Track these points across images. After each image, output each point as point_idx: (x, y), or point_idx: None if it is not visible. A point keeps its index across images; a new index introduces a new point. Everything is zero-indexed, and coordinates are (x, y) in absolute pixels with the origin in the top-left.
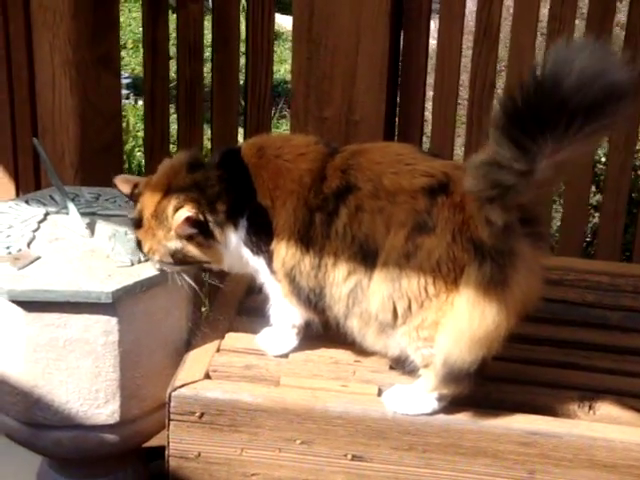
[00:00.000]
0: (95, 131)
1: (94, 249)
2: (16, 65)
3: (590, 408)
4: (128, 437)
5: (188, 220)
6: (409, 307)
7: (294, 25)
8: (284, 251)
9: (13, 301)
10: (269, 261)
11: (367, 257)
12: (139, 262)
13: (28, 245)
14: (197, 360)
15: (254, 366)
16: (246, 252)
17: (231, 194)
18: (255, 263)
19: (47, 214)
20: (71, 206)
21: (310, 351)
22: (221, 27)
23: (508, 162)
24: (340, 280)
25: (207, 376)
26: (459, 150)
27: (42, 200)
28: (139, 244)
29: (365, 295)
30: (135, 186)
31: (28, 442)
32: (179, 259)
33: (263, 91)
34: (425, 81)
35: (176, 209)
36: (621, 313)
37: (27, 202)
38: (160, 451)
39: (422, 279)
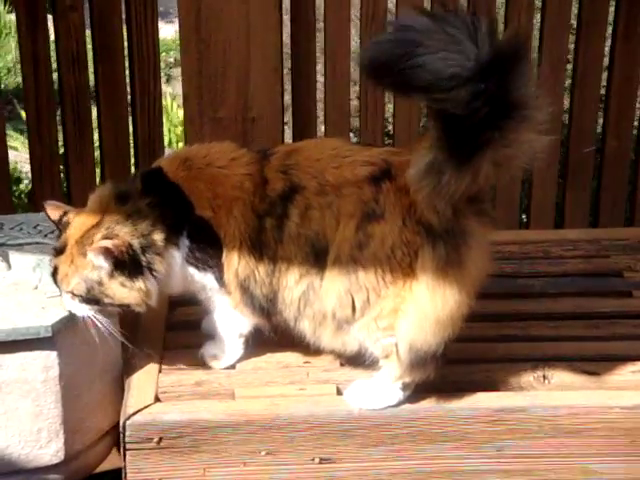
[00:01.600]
0: None
1: (17, 282)
2: None
3: (544, 378)
4: (73, 474)
5: (106, 251)
6: (367, 299)
7: (181, 26)
8: (236, 261)
9: None
10: (219, 275)
11: (318, 256)
12: None
13: None
14: (142, 384)
15: (204, 382)
16: (191, 270)
17: (167, 218)
18: (201, 279)
19: None
20: None
21: (257, 358)
22: (103, 36)
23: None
24: (292, 284)
25: (157, 399)
26: (353, 138)
27: None
28: (55, 271)
29: (318, 295)
30: (65, 214)
31: None
32: (93, 296)
33: (152, 101)
34: (315, 71)
35: (104, 237)
36: (542, 280)
37: None
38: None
39: (378, 268)
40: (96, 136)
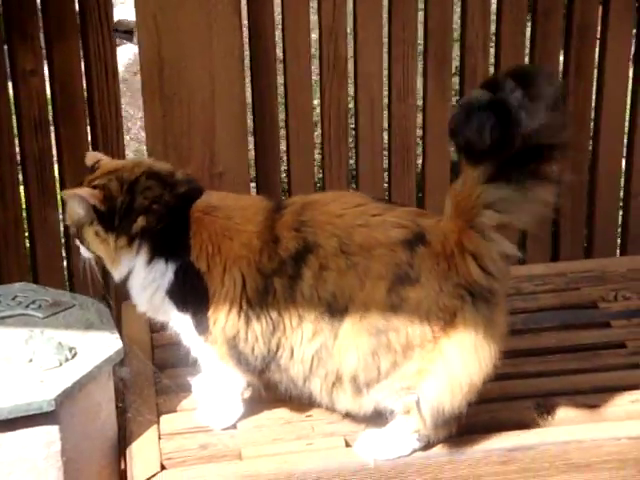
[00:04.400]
0: None
1: (8, 357)
2: None
3: (548, 413)
4: None
5: (80, 198)
6: (395, 361)
7: (144, 84)
8: (223, 320)
9: None
10: (198, 323)
11: (334, 316)
12: (66, 360)
13: None
14: (144, 452)
15: (208, 444)
16: (168, 304)
17: (165, 228)
18: (179, 319)
19: None
20: None
21: (257, 415)
22: (64, 99)
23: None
24: (305, 341)
25: (163, 467)
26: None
27: None
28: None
29: (331, 355)
30: (98, 161)
31: None
32: (78, 234)
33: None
34: (277, 124)
35: (101, 185)
36: (521, 316)
37: None
38: None
39: (410, 331)
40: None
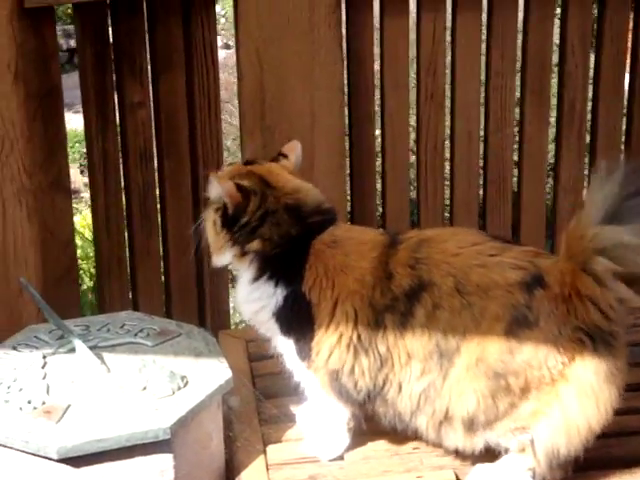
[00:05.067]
0: (53, 259)
1: (121, 385)
2: None
3: None
4: None
5: (234, 188)
6: (512, 402)
7: (244, 115)
8: (328, 352)
9: (60, 459)
10: (302, 352)
11: (443, 355)
12: (179, 389)
13: (48, 395)
14: None
15: (317, 475)
16: (273, 324)
17: (281, 255)
18: (282, 342)
19: (45, 357)
20: (78, 343)
21: (363, 447)
22: (169, 132)
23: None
24: (413, 379)
25: None
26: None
27: (29, 343)
28: None
29: (439, 394)
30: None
31: None
32: (203, 206)
33: None
34: (374, 153)
35: (245, 191)
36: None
37: (15, 348)
38: None
39: (529, 373)
40: None
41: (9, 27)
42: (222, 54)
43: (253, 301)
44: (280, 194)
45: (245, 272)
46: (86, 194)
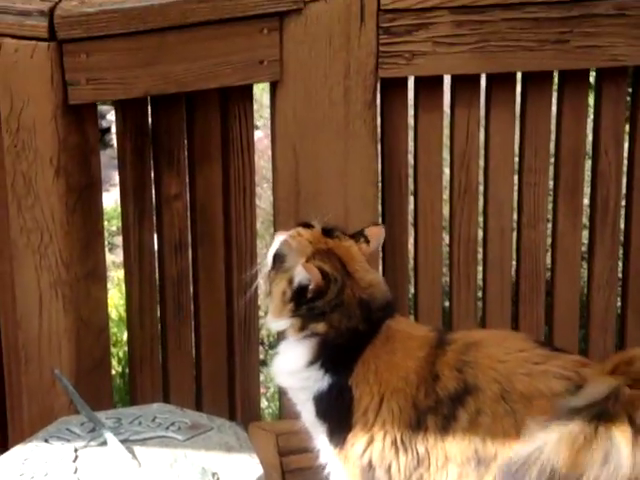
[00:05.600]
0: (86, 349)
1: None
2: None
3: None
4: None
5: (319, 276)
6: None
7: (279, 208)
8: (363, 446)
9: None
10: (335, 440)
11: (482, 462)
12: None
13: None
14: None
15: None
16: (310, 406)
17: (340, 346)
18: (315, 424)
19: (76, 450)
20: (110, 436)
21: None
22: (203, 223)
23: None
24: None
25: None
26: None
27: (61, 435)
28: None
29: None
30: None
31: None
32: (272, 267)
33: (249, 284)
34: (407, 246)
35: (325, 271)
36: None
37: (46, 441)
38: None
39: None
40: None
41: (53, 123)
42: None
43: (297, 380)
44: (357, 287)
45: (297, 347)
46: (112, 272)
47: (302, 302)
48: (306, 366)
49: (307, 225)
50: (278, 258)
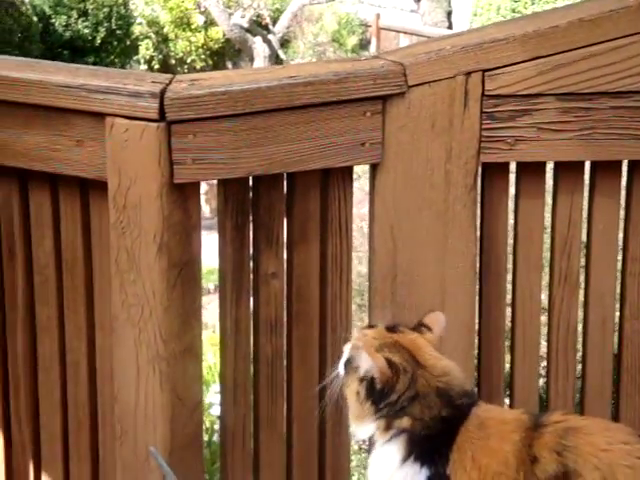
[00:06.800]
0: (180, 425)
1: None
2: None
3: None
4: None
5: (385, 365)
6: None
7: (375, 290)
8: None
9: None
10: None
11: None
12: None
13: None
14: None
15: None
16: None
17: (429, 435)
18: None
19: None
20: None
21: None
22: (300, 302)
23: None
24: None
25: None
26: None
27: None
28: None
29: None
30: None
31: None
32: (345, 372)
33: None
34: (503, 332)
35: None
36: None
37: None
38: None
39: None
40: None
41: (158, 201)
42: None
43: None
44: (431, 376)
45: (388, 448)
46: None
47: (377, 398)
48: (401, 464)
49: (371, 327)
50: (348, 363)
